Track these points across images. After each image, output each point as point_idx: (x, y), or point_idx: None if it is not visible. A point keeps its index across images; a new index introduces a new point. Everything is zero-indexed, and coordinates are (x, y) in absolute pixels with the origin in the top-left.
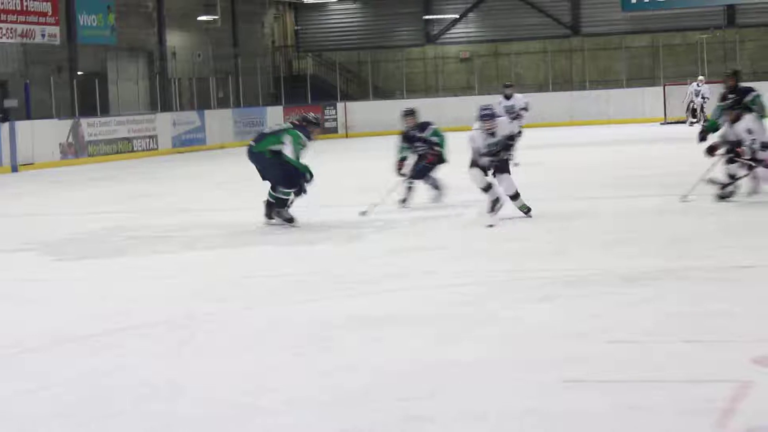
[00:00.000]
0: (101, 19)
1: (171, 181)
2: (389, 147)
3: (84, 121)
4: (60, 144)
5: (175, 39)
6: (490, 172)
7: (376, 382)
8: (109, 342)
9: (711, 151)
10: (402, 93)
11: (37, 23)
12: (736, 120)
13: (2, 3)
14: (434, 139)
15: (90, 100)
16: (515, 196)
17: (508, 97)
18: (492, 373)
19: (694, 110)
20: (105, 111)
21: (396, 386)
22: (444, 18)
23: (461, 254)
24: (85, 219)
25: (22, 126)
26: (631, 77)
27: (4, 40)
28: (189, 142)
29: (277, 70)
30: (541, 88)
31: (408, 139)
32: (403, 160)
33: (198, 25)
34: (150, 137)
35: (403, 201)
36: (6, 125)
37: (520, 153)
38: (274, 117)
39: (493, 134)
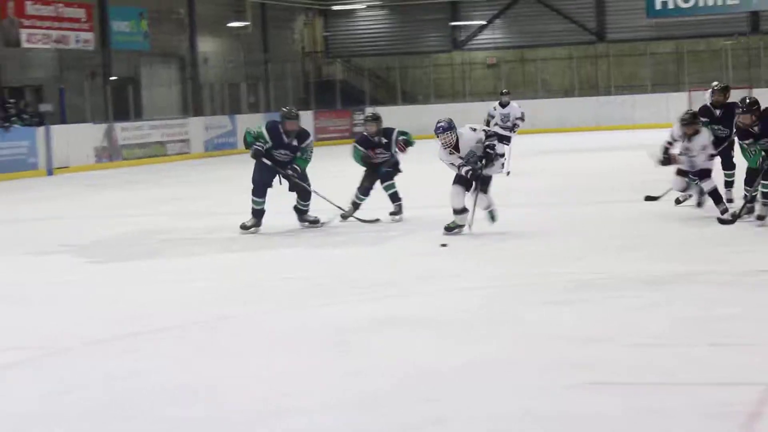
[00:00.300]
0: (134, 26)
1: (203, 185)
2: (416, 151)
3: (118, 126)
4: (94, 148)
5: (206, 45)
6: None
7: (401, 384)
8: (133, 344)
9: (667, 162)
10: (429, 98)
11: (72, 29)
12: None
13: (37, 10)
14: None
15: (123, 104)
16: (458, 211)
17: (504, 105)
18: (513, 375)
19: None
20: (138, 115)
21: (421, 388)
22: (471, 24)
23: (481, 258)
24: (119, 222)
25: (57, 130)
26: (655, 83)
27: (39, 45)
28: (221, 146)
29: (306, 76)
30: (567, 93)
31: (365, 144)
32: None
33: (229, 31)
34: (182, 141)
35: (345, 216)
36: (41, 129)
37: (512, 161)
38: (305, 121)
39: (456, 147)
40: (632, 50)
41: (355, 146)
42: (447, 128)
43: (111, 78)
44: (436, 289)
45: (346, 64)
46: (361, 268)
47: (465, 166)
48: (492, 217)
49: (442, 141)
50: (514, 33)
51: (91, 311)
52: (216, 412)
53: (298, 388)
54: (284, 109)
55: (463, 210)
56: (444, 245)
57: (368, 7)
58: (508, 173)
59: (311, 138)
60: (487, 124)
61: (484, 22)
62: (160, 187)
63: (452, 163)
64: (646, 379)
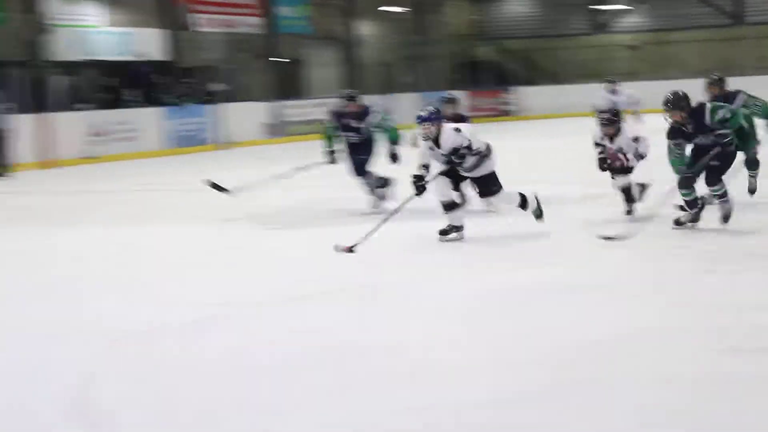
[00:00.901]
0: (299, 11)
1: None
2: (560, 129)
3: (283, 104)
4: (261, 124)
5: (364, 27)
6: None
7: (573, 347)
8: (305, 306)
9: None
10: (573, 78)
11: (241, 14)
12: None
13: None
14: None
15: (288, 84)
16: (448, 207)
17: (613, 92)
18: (677, 339)
19: None
20: (302, 94)
21: (592, 351)
22: (611, 9)
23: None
24: (288, 192)
25: (228, 108)
26: None
27: (212, 29)
28: None
29: (457, 57)
30: (707, 75)
31: (338, 120)
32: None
33: (385, 15)
34: None
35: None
36: (213, 107)
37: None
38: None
39: (436, 141)
40: None
41: (331, 126)
42: (426, 119)
43: (277, 59)
44: (598, 258)
45: (494, 46)
46: (527, 238)
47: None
48: (538, 215)
49: (423, 131)
50: (654, 16)
51: (275, 273)
52: (404, 367)
53: (477, 347)
54: (344, 92)
55: (452, 205)
56: (609, 238)
57: None
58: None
59: (374, 111)
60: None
61: (625, 6)
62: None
63: (432, 159)
64: None
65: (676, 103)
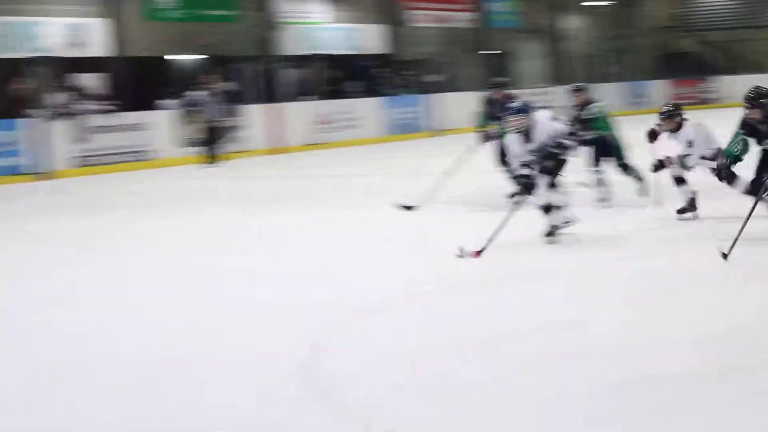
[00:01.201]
0: (509, 5)
1: None
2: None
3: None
4: (472, 113)
5: (570, 21)
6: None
7: (725, 326)
8: (505, 285)
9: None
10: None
11: (455, 10)
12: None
13: None
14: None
15: (497, 76)
16: (547, 209)
17: None
18: None
19: None
20: (511, 85)
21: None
22: None
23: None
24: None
25: (440, 98)
26: None
27: (427, 24)
28: None
29: (659, 48)
30: None
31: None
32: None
33: (590, 9)
34: (549, 107)
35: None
36: (427, 97)
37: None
38: (657, 91)
39: (527, 135)
40: None
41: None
42: (520, 110)
43: (487, 52)
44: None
45: (695, 37)
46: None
47: (530, 165)
48: (550, 232)
49: (514, 124)
50: None
51: (487, 257)
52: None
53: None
54: (495, 81)
55: (550, 207)
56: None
57: None
58: (583, 184)
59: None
60: None
61: None
62: None
63: (518, 157)
64: None
65: (757, 99)
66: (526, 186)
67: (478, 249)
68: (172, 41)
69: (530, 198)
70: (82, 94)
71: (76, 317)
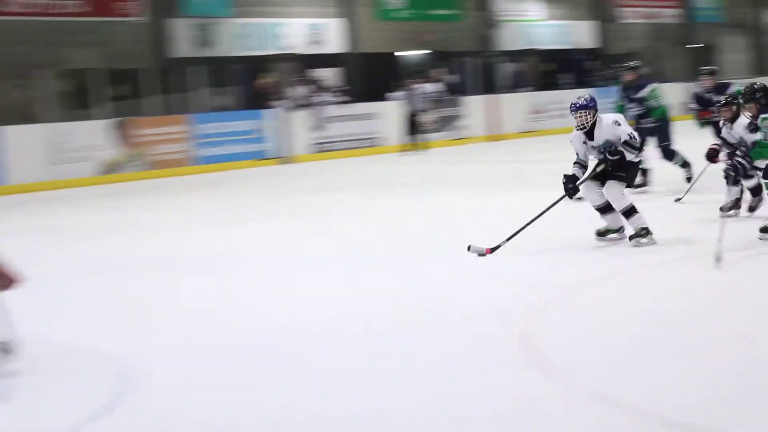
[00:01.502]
0: (713, 2)
1: None
2: None
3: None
4: (682, 104)
5: None
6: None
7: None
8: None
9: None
10: None
11: (662, 6)
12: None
13: None
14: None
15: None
16: (629, 212)
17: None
18: None
19: None
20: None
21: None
22: None
23: None
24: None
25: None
26: None
27: (635, 20)
28: None
29: None
30: None
31: (702, 102)
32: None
33: None
34: None
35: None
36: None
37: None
38: None
39: (590, 133)
40: None
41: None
42: (583, 106)
43: (692, 46)
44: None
45: None
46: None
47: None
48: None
49: (576, 120)
50: None
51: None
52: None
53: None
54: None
55: (607, 208)
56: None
57: None
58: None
59: (648, 86)
60: None
61: None
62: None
63: (580, 155)
64: None
65: (750, 95)
66: (569, 191)
67: (492, 246)
68: (400, 38)
69: (572, 199)
70: (319, 87)
71: (318, 282)
